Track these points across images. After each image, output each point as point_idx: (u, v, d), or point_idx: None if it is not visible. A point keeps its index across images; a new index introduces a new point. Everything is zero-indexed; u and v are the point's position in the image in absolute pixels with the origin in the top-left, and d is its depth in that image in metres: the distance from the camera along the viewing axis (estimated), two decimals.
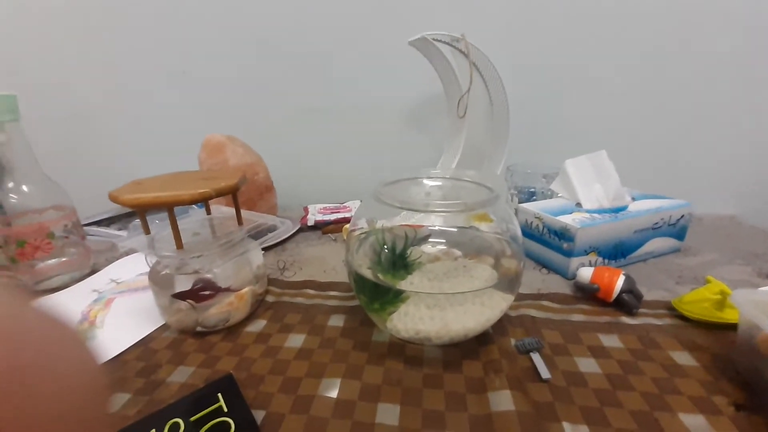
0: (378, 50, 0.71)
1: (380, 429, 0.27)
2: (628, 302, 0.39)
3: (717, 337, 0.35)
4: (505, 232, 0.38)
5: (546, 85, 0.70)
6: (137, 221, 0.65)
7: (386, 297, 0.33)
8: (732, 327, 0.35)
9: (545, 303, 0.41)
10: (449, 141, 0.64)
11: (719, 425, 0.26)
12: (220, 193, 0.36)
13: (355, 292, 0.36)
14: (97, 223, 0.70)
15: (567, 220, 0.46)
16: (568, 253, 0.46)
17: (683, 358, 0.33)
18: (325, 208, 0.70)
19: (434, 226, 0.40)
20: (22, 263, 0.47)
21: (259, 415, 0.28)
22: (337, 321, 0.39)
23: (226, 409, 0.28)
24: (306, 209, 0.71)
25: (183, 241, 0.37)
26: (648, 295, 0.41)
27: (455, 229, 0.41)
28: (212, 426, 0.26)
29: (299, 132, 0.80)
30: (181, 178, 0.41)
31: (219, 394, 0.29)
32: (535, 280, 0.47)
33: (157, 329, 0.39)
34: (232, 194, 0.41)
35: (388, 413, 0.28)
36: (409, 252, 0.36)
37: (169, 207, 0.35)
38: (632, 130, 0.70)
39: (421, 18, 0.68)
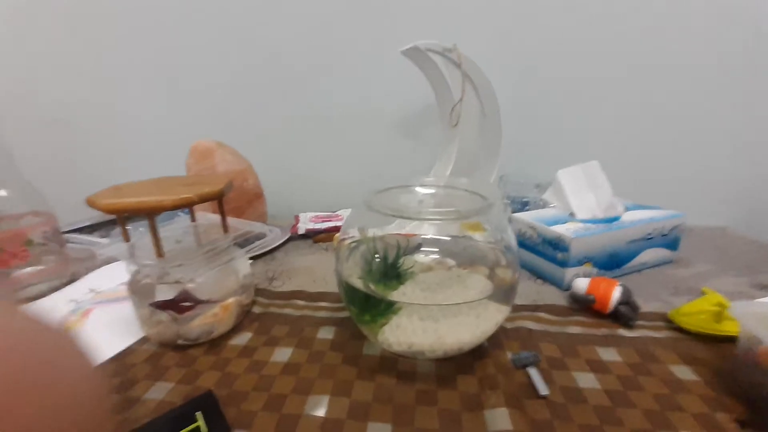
0: (370, 59, 0.71)
1: None
2: (625, 314, 0.38)
3: (716, 349, 0.35)
4: (499, 241, 0.38)
5: (538, 95, 0.70)
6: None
7: (378, 308, 0.32)
8: (731, 339, 0.34)
9: (541, 314, 0.40)
10: (442, 150, 0.64)
11: None
12: (203, 199, 0.35)
13: (345, 303, 0.35)
14: (79, 231, 0.68)
15: (561, 229, 0.46)
16: (563, 263, 0.45)
17: (683, 372, 0.32)
18: (316, 217, 0.69)
19: (427, 235, 0.39)
20: None
21: None
22: (326, 333, 0.38)
23: (205, 430, 0.26)
24: (297, 217, 0.69)
25: (165, 249, 0.35)
26: (644, 306, 0.41)
27: (448, 238, 0.40)
28: None
29: (290, 139, 0.79)
30: (164, 183, 0.40)
31: (198, 413, 0.27)
32: (530, 291, 0.46)
33: (136, 342, 0.37)
34: (218, 201, 0.39)
35: None
36: (401, 261, 0.34)
37: (149, 213, 0.33)
38: (623, 140, 0.71)
39: (413, 28, 0.68)
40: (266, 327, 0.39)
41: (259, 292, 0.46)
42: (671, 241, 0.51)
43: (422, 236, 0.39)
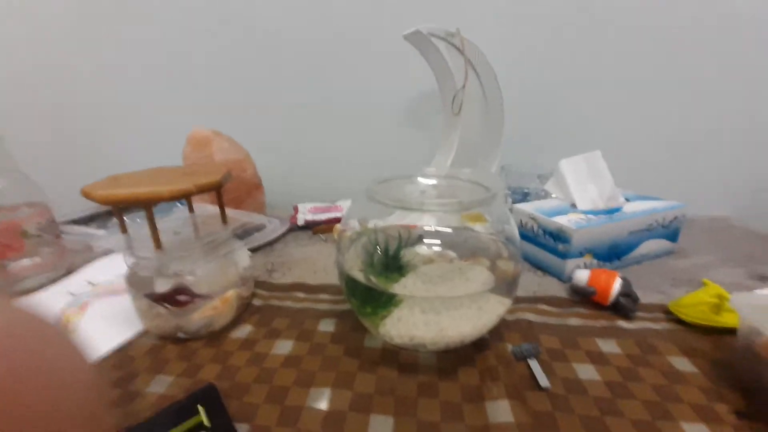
0: (371, 44, 0.70)
1: None
2: (625, 306, 0.38)
3: (715, 341, 0.35)
4: (500, 232, 0.37)
5: (541, 83, 0.69)
6: None
7: (379, 301, 0.32)
8: (730, 331, 0.34)
9: (542, 306, 0.40)
10: (443, 139, 0.63)
11: None
12: (202, 190, 0.34)
13: (346, 295, 0.35)
14: (76, 222, 0.67)
15: (562, 221, 0.45)
16: (564, 255, 0.45)
17: (682, 363, 0.32)
18: (315, 207, 0.68)
19: (429, 227, 0.39)
20: None
21: (242, 429, 0.26)
22: (327, 326, 0.38)
23: (207, 423, 0.26)
24: (296, 208, 0.68)
25: (163, 241, 0.35)
26: (643, 297, 0.41)
27: (450, 230, 0.40)
28: None
29: (289, 128, 0.77)
30: (162, 173, 0.39)
31: (200, 406, 0.27)
32: (530, 283, 0.46)
33: (135, 335, 0.37)
34: (216, 191, 0.39)
35: (381, 425, 0.26)
36: (402, 253, 0.34)
37: (146, 204, 0.33)
38: (626, 130, 0.70)
39: (415, 12, 0.66)
40: (267, 319, 0.39)
41: (258, 284, 0.46)
42: (671, 232, 0.51)
43: (424, 227, 0.39)
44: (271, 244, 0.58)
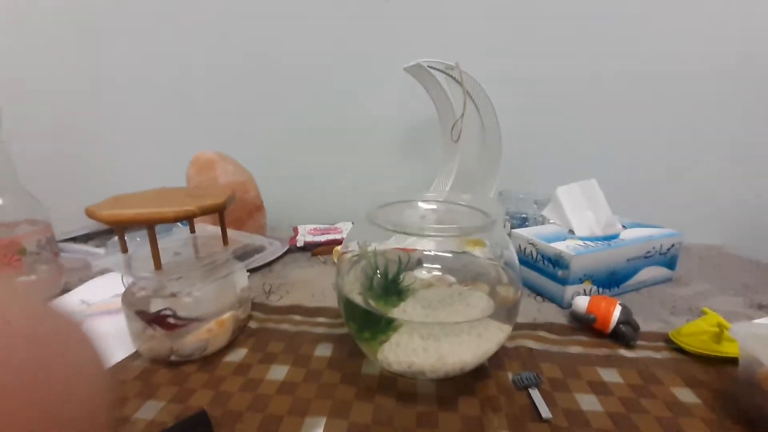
0: (373, 74, 0.72)
1: None
2: (625, 334, 0.38)
3: (717, 371, 0.34)
4: (499, 257, 0.37)
5: (537, 113, 0.71)
6: (116, 238, 0.62)
7: (377, 325, 0.32)
8: (731, 361, 0.34)
9: (542, 333, 0.40)
10: (443, 165, 0.64)
11: None
12: (205, 212, 0.35)
13: (344, 318, 0.34)
14: (74, 240, 0.67)
15: (561, 246, 0.46)
16: (563, 281, 0.45)
17: (685, 394, 0.32)
18: (315, 229, 0.69)
19: (429, 251, 0.39)
20: None
21: None
22: (324, 350, 0.37)
23: None
24: (295, 230, 0.69)
25: (162, 261, 0.35)
26: (644, 326, 0.40)
27: (449, 254, 0.40)
28: None
29: (291, 152, 0.79)
30: (165, 194, 0.39)
31: None
32: (530, 309, 0.45)
33: (127, 357, 0.36)
34: (219, 213, 0.39)
35: None
36: (401, 277, 0.34)
37: (149, 225, 0.33)
38: (621, 159, 0.72)
39: (416, 45, 0.69)
40: (262, 343, 0.38)
41: (256, 306, 0.45)
42: (669, 260, 0.51)
43: (423, 252, 0.39)
44: (270, 265, 0.58)
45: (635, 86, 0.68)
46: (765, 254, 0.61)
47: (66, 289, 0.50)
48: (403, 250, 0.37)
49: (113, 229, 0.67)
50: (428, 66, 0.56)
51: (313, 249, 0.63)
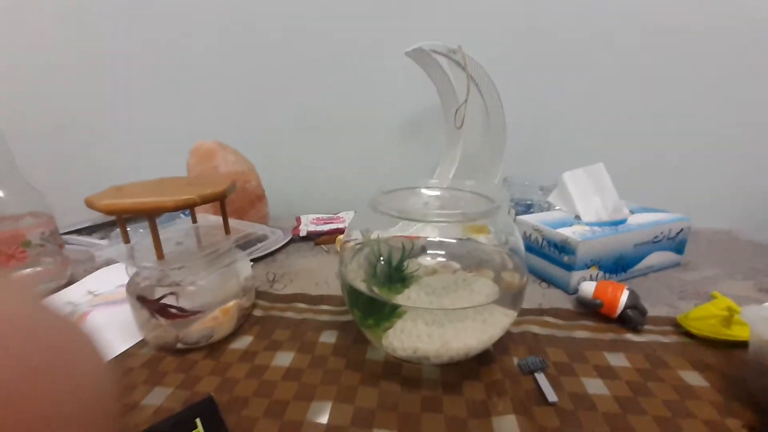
0: (374, 60, 0.71)
1: None
2: (633, 318, 0.38)
3: (726, 355, 0.34)
4: (504, 244, 0.37)
5: (543, 97, 0.70)
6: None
7: (381, 312, 0.31)
8: (741, 345, 0.34)
9: (547, 319, 0.39)
10: (446, 151, 0.63)
11: None
12: (206, 200, 0.34)
13: (348, 306, 0.34)
14: (78, 232, 0.67)
15: (567, 232, 0.45)
16: (569, 267, 0.44)
17: (693, 378, 0.31)
18: (318, 219, 0.68)
19: (433, 238, 0.38)
20: None
21: None
22: (328, 337, 0.37)
23: None
24: (298, 219, 0.68)
25: (165, 252, 0.34)
26: (651, 310, 0.40)
27: (453, 241, 0.40)
28: None
29: (293, 140, 0.78)
30: (166, 184, 0.39)
31: (198, 420, 0.26)
32: (535, 295, 0.45)
33: (134, 345, 0.36)
34: (220, 202, 0.39)
35: None
36: (405, 264, 0.34)
37: (149, 214, 0.33)
38: (628, 143, 0.70)
39: (418, 29, 0.68)
40: (267, 331, 0.38)
41: (260, 294, 0.45)
42: (678, 245, 0.51)
43: (427, 239, 0.38)
44: (273, 254, 0.58)
45: (644, 69, 0.66)
46: None
47: (72, 281, 0.50)
48: (407, 237, 0.37)
49: (116, 221, 0.68)
50: (430, 50, 0.55)
51: (316, 238, 0.63)
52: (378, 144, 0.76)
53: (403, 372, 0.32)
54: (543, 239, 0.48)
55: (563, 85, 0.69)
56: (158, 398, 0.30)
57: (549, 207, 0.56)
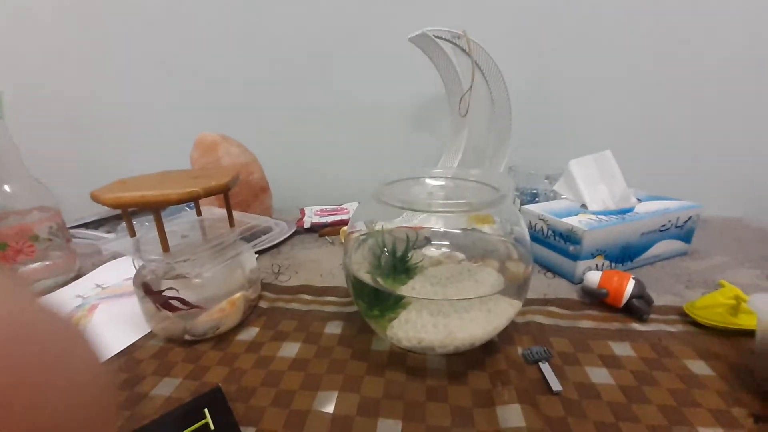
0: (377, 47, 0.70)
1: None
2: (638, 308, 0.37)
3: (732, 344, 0.34)
4: (509, 234, 0.37)
5: (549, 84, 0.68)
6: None
7: (386, 303, 0.31)
8: (748, 333, 0.33)
9: (552, 309, 0.39)
10: (450, 140, 0.63)
11: None
12: (209, 193, 0.34)
13: (353, 297, 0.34)
14: (85, 226, 0.68)
15: (573, 222, 0.44)
16: (575, 257, 0.44)
17: (699, 367, 0.31)
18: (322, 210, 0.68)
19: (437, 228, 0.38)
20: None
21: None
22: (334, 328, 0.37)
23: (212, 426, 0.26)
24: (302, 211, 0.69)
25: (171, 244, 0.35)
26: (657, 299, 0.40)
27: (458, 231, 0.40)
28: None
29: (296, 131, 0.78)
30: (170, 177, 0.39)
31: (206, 410, 0.27)
32: (540, 285, 0.45)
33: (142, 337, 0.37)
34: (224, 194, 0.39)
35: (389, 430, 0.26)
36: (410, 255, 0.34)
37: (154, 207, 0.33)
38: (636, 129, 0.69)
39: (421, 14, 0.66)
40: (273, 322, 0.39)
41: (265, 286, 0.46)
42: (685, 233, 0.50)
43: (431, 229, 0.38)
44: (277, 246, 0.58)
45: (652, 54, 0.64)
46: None
47: (80, 274, 0.51)
48: (411, 228, 0.37)
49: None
50: (434, 35, 0.53)
51: (320, 230, 0.63)
52: (382, 133, 0.75)
53: (408, 362, 0.32)
54: (548, 229, 0.47)
55: (570, 71, 0.67)
56: (167, 389, 0.30)
57: (555, 196, 0.55)
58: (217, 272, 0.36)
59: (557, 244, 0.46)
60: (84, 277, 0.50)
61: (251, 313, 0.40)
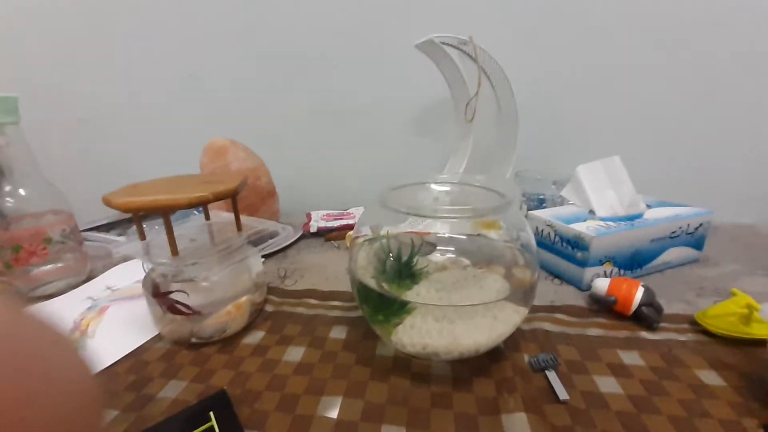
0: (384, 53, 0.70)
1: None
2: (648, 316, 0.37)
3: (744, 353, 0.33)
4: (515, 239, 0.36)
5: (556, 88, 0.68)
6: None
7: (391, 308, 0.31)
8: (760, 343, 0.33)
9: (559, 316, 0.39)
10: (456, 146, 0.63)
11: None
12: (218, 197, 0.35)
13: (358, 302, 0.34)
14: (97, 229, 0.69)
15: (581, 228, 0.44)
16: (582, 263, 0.44)
17: (710, 377, 0.31)
18: (328, 215, 0.69)
19: (443, 233, 0.38)
20: (17, 269, 0.46)
21: None
22: (339, 333, 0.37)
23: (217, 430, 0.26)
24: (309, 215, 0.69)
25: (179, 248, 0.35)
26: (668, 308, 0.39)
27: (463, 237, 0.39)
28: None
29: (303, 136, 0.78)
30: (180, 181, 0.40)
31: (211, 413, 0.27)
32: (547, 291, 0.44)
33: (150, 339, 0.37)
34: (232, 199, 0.39)
35: None
36: (415, 260, 0.34)
37: (164, 211, 0.33)
38: (646, 135, 0.68)
39: (427, 20, 0.67)
40: (279, 326, 0.39)
41: (271, 290, 0.46)
42: (696, 240, 0.49)
43: (437, 234, 0.38)
44: (284, 250, 0.58)
45: (661, 59, 0.64)
46: None
47: (91, 276, 0.52)
48: (417, 233, 0.37)
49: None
50: (441, 42, 0.54)
51: (326, 234, 0.63)
52: (388, 138, 0.76)
53: (413, 368, 0.32)
54: (555, 235, 0.47)
55: (577, 76, 0.67)
56: (174, 391, 0.30)
57: (562, 201, 0.55)
58: (224, 276, 0.37)
59: (564, 250, 0.46)
60: (95, 279, 0.51)
61: (257, 316, 0.41)
